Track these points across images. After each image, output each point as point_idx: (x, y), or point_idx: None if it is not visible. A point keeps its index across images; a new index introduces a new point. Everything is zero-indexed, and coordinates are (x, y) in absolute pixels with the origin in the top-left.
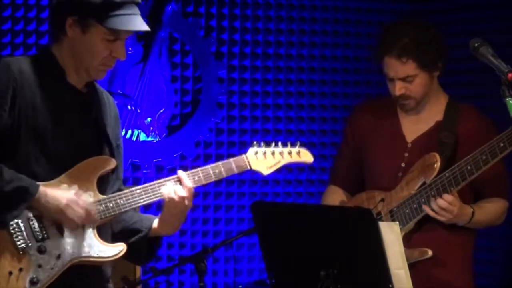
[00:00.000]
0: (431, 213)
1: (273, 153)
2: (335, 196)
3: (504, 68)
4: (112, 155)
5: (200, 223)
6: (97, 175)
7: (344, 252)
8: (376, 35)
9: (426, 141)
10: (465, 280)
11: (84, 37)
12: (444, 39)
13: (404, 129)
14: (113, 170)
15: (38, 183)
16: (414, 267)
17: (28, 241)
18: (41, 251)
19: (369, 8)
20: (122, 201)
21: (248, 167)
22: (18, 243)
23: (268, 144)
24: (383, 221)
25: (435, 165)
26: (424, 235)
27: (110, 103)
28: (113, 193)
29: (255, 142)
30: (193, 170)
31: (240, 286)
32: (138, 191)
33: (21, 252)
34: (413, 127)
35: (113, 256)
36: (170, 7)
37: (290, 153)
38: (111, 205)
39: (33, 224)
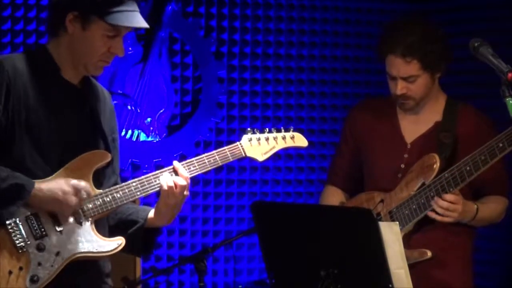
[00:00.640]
0: (438, 218)
1: (267, 139)
2: (334, 198)
3: (504, 68)
4: (107, 149)
5: (200, 223)
6: (93, 169)
7: (344, 252)
8: (380, 33)
9: (425, 142)
10: (464, 281)
11: (84, 33)
12: (448, 40)
13: (403, 130)
14: (109, 164)
15: (34, 180)
16: (413, 268)
17: (27, 240)
18: (40, 248)
19: (369, 8)
20: (118, 195)
21: (243, 154)
22: (17, 242)
23: (262, 131)
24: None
25: (434, 166)
26: (424, 235)
27: (105, 97)
28: (109, 187)
29: (248, 129)
30: (188, 160)
31: (240, 286)
32: (134, 184)
33: (20, 251)
34: (412, 128)
35: (112, 250)
36: (170, 7)
37: (284, 138)
38: (107, 199)
39: (31, 222)
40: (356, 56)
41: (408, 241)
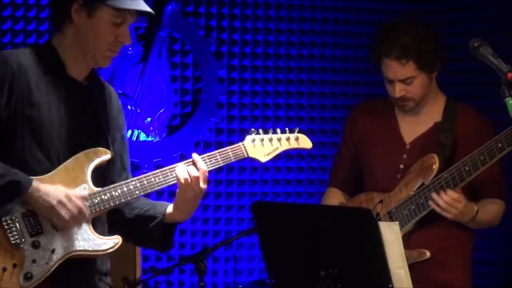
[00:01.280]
0: (437, 208)
1: (270, 140)
2: (334, 199)
3: (504, 68)
4: (108, 147)
5: (200, 223)
6: (92, 167)
7: (344, 252)
8: (374, 35)
9: (424, 142)
10: (464, 281)
11: (90, 21)
12: (442, 38)
13: (403, 131)
14: (116, 161)
15: (32, 177)
16: (412, 268)
17: (22, 236)
18: (35, 246)
19: (369, 8)
20: (117, 194)
21: (245, 155)
22: (12, 238)
23: (266, 131)
24: None
25: (434, 166)
26: (423, 236)
27: (112, 94)
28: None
29: (252, 130)
30: (188, 160)
31: (240, 286)
32: (133, 183)
33: (15, 248)
34: (412, 129)
35: (108, 249)
36: (170, 7)
37: (288, 139)
38: (105, 197)
39: (27, 219)
40: (356, 56)
41: (407, 242)
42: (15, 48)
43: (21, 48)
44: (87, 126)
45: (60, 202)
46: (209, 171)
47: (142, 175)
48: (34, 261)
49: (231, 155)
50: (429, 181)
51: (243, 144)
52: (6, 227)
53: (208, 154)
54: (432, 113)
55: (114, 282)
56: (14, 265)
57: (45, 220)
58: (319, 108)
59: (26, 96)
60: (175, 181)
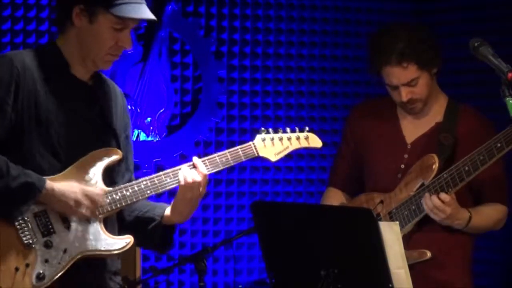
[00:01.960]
0: (427, 210)
1: (281, 139)
2: (334, 199)
3: (504, 68)
4: (118, 146)
5: (200, 223)
6: (103, 167)
7: (344, 252)
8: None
9: (425, 143)
10: (464, 281)
11: (91, 26)
12: (434, 35)
13: (404, 130)
14: (122, 161)
15: (44, 177)
16: (413, 268)
17: (34, 236)
18: (47, 246)
19: (369, 8)
20: (128, 193)
21: (256, 154)
22: (24, 238)
23: (275, 131)
24: None
25: (433, 167)
26: (423, 236)
27: (117, 94)
28: (123, 183)
29: (262, 129)
30: (201, 159)
31: (240, 286)
32: (144, 182)
33: (27, 248)
34: (413, 128)
35: (120, 248)
36: (170, 7)
37: (298, 138)
38: (117, 197)
39: (39, 219)
40: (356, 56)
41: (408, 242)
42: (15, 48)
43: (25, 49)
44: (94, 126)
45: (76, 200)
46: (219, 171)
47: (153, 175)
48: (46, 261)
49: (241, 154)
50: (429, 181)
51: (253, 143)
52: (18, 227)
53: (212, 155)
54: (434, 113)
55: None
56: (27, 265)
57: (57, 220)
58: (319, 107)
59: (32, 97)
60: None
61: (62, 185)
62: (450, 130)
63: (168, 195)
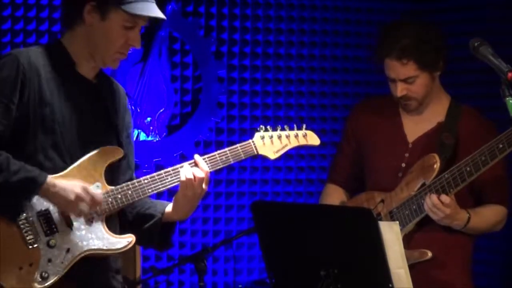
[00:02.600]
0: (426, 209)
1: (279, 137)
2: (334, 197)
3: (504, 68)
4: (120, 144)
5: (200, 223)
6: (105, 165)
7: (344, 252)
8: (376, 36)
9: (427, 142)
10: (464, 281)
11: (102, 24)
12: (444, 38)
13: (406, 129)
14: (123, 159)
15: (46, 173)
16: (413, 268)
17: (38, 236)
18: (50, 245)
19: (369, 8)
20: (130, 192)
21: (255, 152)
22: (28, 238)
23: (274, 128)
24: None
25: (435, 166)
26: (424, 236)
27: (120, 92)
28: (125, 182)
29: (261, 127)
30: (193, 160)
31: (240, 286)
32: (146, 181)
33: (30, 247)
34: (415, 127)
35: (122, 248)
36: (170, 6)
37: (296, 136)
38: (119, 196)
39: (42, 218)
40: (356, 56)
41: (409, 242)
42: (15, 48)
43: (31, 47)
44: (98, 124)
45: (78, 196)
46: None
47: (155, 173)
48: (49, 260)
49: (241, 153)
50: (430, 181)
51: (253, 142)
52: (21, 226)
53: (212, 153)
54: (436, 113)
55: None
56: (30, 265)
57: (60, 219)
58: (319, 108)
59: (37, 95)
60: None
61: (63, 181)
62: (452, 130)
63: (168, 195)
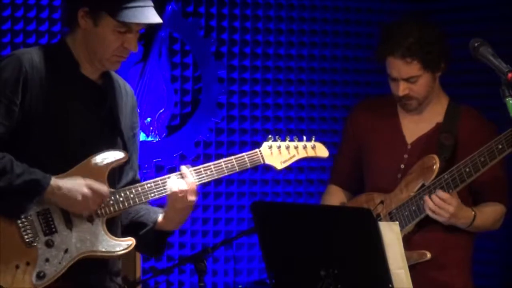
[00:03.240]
0: (429, 213)
1: (287, 148)
2: (335, 197)
3: (504, 68)
4: (124, 146)
5: (200, 223)
6: (109, 168)
7: (344, 252)
8: (378, 34)
9: (426, 143)
10: (464, 281)
11: (96, 29)
12: (446, 39)
13: (405, 130)
14: (127, 160)
15: (49, 175)
16: (413, 269)
17: (36, 235)
18: (49, 245)
19: (369, 8)
20: (132, 195)
21: (262, 162)
22: (26, 236)
23: (283, 139)
24: None
25: (434, 167)
26: (424, 236)
27: (127, 93)
28: (127, 183)
29: (269, 137)
30: (206, 165)
31: (240, 286)
32: (148, 185)
33: (28, 246)
34: (414, 128)
35: (121, 251)
36: (170, 7)
37: (305, 147)
38: (121, 198)
39: (42, 218)
40: (356, 56)
41: (408, 242)
42: (15, 48)
43: (35, 47)
44: (102, 126)
45: (84, 195)
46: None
47: (158, 178)
48: (47, 260)
49: (247, 161)
50: (429, 182)
51: (260, 151)
52: (20, 225)
53: (218, 161)
54: (435, 114)
55: None
56: (27, 264)
57: (59, 220)
58: (319, 108)
59: (40, 96)
60: None
61: (68, 182)
62: (451, 130)
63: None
